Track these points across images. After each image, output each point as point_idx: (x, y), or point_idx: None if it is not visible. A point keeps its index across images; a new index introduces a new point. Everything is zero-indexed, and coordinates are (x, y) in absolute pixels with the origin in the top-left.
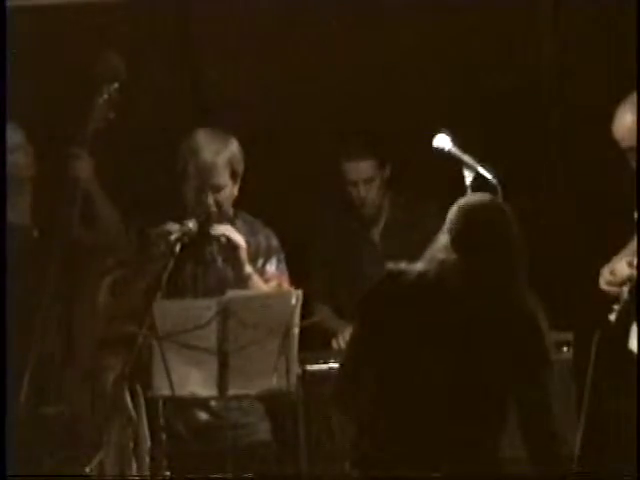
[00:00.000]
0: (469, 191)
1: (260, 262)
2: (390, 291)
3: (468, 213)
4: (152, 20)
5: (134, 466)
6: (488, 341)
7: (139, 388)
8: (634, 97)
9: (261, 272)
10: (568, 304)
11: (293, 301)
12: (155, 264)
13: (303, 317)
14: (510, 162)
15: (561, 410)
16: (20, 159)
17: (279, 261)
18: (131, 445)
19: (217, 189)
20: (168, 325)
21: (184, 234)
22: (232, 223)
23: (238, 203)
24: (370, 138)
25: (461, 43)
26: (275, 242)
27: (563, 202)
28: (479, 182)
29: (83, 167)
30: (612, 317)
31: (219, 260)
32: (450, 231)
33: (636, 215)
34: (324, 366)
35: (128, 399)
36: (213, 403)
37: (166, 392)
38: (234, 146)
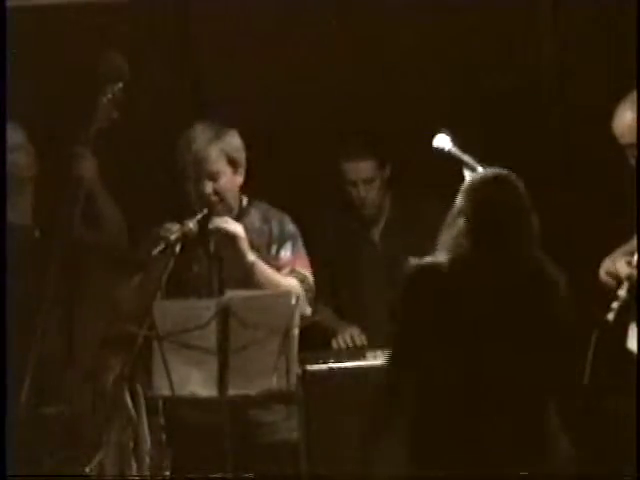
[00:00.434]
0: None
1: (274, 249)
2: (429, 286)
3: (482, 188)
4: (152, 20)
5: (134, 466)
6: (528, 325)
7: (139, 388)
8: (634, 94)
9: (275, 259)
10: None
11: (293, 301)
12: (155, 264)
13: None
14: (510, 162)
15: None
16: (21, 159)
17: (294, 245)
18: (131, 445)
19: (213, 177)
20: (168, 325)
21: (184, 234)
22: (244, 213)
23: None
24: (370, 138)
25: (461, 43)
26: (290, 227)
27: (563, 202)
28: None
29: (87, 167)
30: (610, 316)
31: (221, 254)
32: (464, 213)
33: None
34: (324, 366)
35: (128, 399)
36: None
37: (166, 392)
38: (230, 135)
